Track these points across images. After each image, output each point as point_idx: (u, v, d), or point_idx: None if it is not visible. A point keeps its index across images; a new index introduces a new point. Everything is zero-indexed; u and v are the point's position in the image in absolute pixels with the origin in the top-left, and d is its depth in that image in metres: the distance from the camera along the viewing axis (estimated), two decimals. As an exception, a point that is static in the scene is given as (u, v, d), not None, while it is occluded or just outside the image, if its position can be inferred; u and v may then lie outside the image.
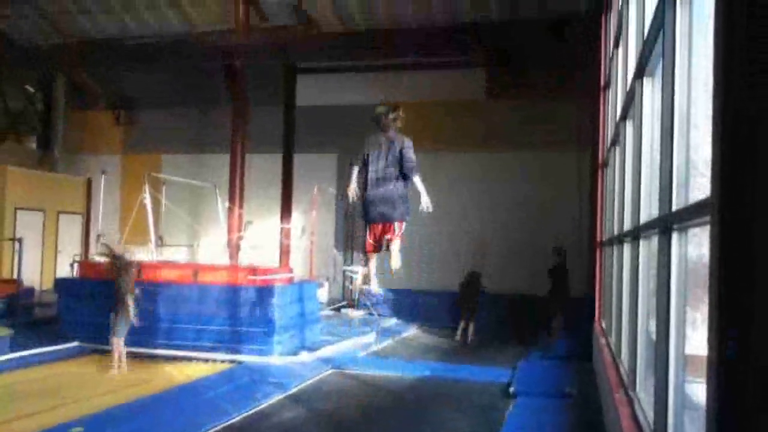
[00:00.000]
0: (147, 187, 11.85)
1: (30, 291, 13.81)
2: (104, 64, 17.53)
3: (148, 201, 11.82)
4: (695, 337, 3.43)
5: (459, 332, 12.75)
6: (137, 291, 8.77)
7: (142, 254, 12.09)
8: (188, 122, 18.38)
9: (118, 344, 8.54)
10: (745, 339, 1.80)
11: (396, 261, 5.68)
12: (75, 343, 9.80)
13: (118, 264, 8.85)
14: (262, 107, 16.48)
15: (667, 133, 3.48)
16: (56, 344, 9.65)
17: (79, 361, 9.29)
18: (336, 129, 17.07)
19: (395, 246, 5.56)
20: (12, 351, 8.93)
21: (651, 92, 4.61)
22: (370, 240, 5.67)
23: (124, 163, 19.07)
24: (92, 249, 14.41)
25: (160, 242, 13.87)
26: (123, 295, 8.53)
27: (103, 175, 14.90)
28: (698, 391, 3.57)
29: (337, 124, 17.04)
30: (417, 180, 5.57)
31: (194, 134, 18.27)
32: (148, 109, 18.97)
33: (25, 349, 9.15)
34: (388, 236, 5.53)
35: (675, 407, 3.31)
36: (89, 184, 18.92)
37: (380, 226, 5.58)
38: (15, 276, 14.07)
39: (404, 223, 5.60)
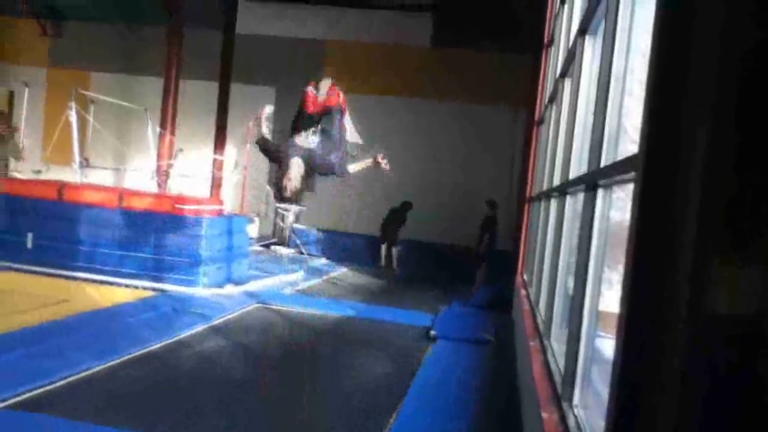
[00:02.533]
0: (73, 104, 11.30)
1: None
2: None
3: (73, 118, 11.31)
4: (609, 296, 3.58)
5: (382, 258, 13.02)
6: None
7: (65, 174, 11.65)
8: (120, 40, 17.50)
9: None
10: (655, 300, 1.86)
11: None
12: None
13: None
14: (199, 31, 15.82)
15: (602, 91, 3.54)
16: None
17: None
18: (276, 61, 16.65)
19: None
20: None
21: (591, 50, 4.66)
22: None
23: (50, 77, 18.09)
24: (12, 164, 13.73)
25: (85, 163, 13.35)
26: None
27: (26, 88, 14.14)
28: (607, 345, 3.75)
29: (277, 56, 16.61)
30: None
31: (126, 54, 17.45)
32: (77, 21, 17.93)
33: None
34: None
35: (584, 358, 3.47)
36: (11, 96, 17.92)
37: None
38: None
39: None
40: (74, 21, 17.93)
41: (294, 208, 16.09)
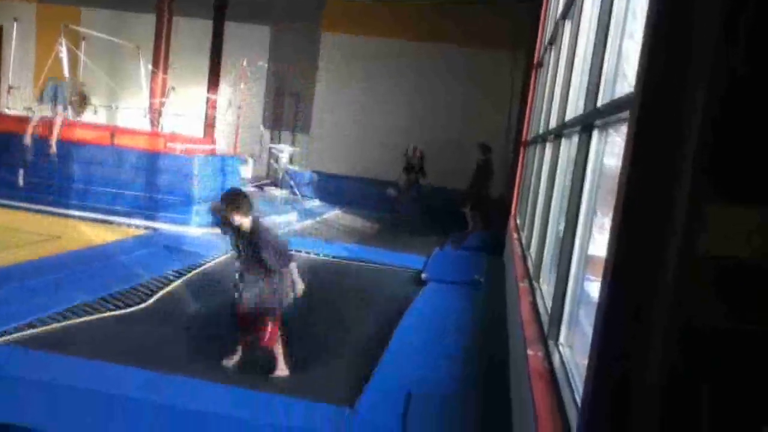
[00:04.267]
0: (63, 40, 11.06)
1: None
2: None
3: (64, 54, 11.08)
4: (599, 240, 3.58)
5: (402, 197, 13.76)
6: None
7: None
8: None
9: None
10: (646, 242, 1.84)
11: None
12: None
13: None
14: (193, -33, 15.42)
15: (602, 32, 3.47)
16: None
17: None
18: (270, 1, 16.30)
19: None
20: None
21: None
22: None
23: (40, 12, 17.68)
24: (3, 100, 13.53)
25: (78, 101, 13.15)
26: None
27: (15, 23, 13.80)
28: (594, 288, 3.77)
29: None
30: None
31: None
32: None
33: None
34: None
35: (572, 300, 3.50)
36: (0, 32, 17.54)
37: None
38: None
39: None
40: (63, -47, 17.43)
41: (288, 149, 16.04)
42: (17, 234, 7.99)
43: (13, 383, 3.86)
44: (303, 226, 11.71)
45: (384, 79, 16.22)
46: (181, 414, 3.76)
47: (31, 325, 4.89)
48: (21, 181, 9.47)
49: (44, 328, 4.94)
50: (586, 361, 2.88)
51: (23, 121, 9.95)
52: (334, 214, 13.82)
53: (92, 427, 3.59)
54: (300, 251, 9.18)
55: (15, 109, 13.02)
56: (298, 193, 14.86)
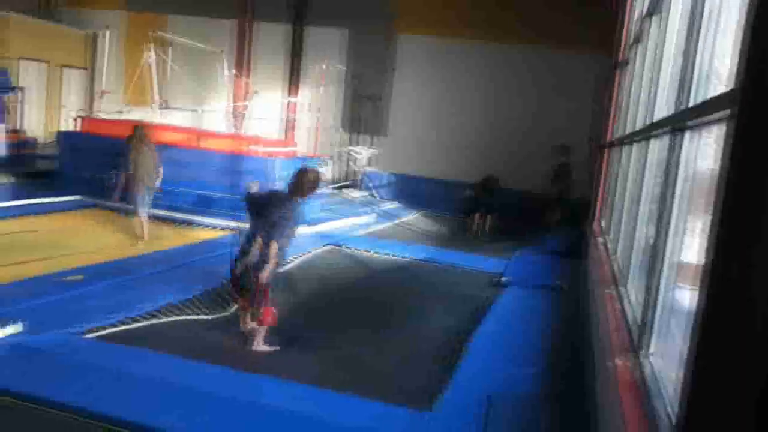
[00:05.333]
0: (152, 46, 11.53)
1: (32, 142, 13.78)
2: None
3: (152, 60, 11.55)
4: (692, 245, 3.43)
5: (474, 226, 12.63)
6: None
7: (144, 114, 11.99)
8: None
9: (143, 219, 8.02)
10: (747, 253, 1.74)
11: None
12: (77, 197, 9.87)
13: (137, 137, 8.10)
14: (273, -27, 15.77)
15: (693, 29, 3.32)
16: (57, 196, 9.72)
17: (80, 214, 9.39)
18: (348, 4, 16.45)
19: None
20: (13, 199, 9.02)
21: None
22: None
23: (129, 20, 18.47)
24: (96, 105, 14.24)
25: (164, 104, 13.69)
26: (141, 172, 7.91)
27: (107, 31, 14.49)
28: (686, 296, 3.61)
29: (350, -1, 16.43)
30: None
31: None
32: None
33: (26, 198, 9.23)
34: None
35: (662, 307, 3.36)
36: (94, 38, 18.44)
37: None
38: (17, 126, 13.99)
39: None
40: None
41: (366, 151, 16.16)
42: (110, 233, 8.37)
43: (99, 374, 4.02)
44: (382, 228, 11.75)
45: (461, 80, 16.09)
46: (259, 411, 3.82)
47: (122, 322, 5.10)
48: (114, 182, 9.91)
49: (132, 325, 5.14)
50: (677, 373, 2.76)
51: (115, 124, 10.41)
52: (412, 216, 13.82)
53: (171, 418, 3.69)
54: (382, 253, 9.24)
55: (107, 113, 13.68)
56: (376, 194, 14.95)
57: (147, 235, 7.99)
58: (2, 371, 3.86)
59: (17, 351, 4.14)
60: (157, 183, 8.11)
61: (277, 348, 5.09)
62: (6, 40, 15.90)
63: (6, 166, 10.26)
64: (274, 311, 5.07)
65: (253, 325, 5.20)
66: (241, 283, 5.21)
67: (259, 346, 5.05)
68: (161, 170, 8.11)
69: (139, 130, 8.14)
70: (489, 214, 12.61)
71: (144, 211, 7.97)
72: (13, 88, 13.99)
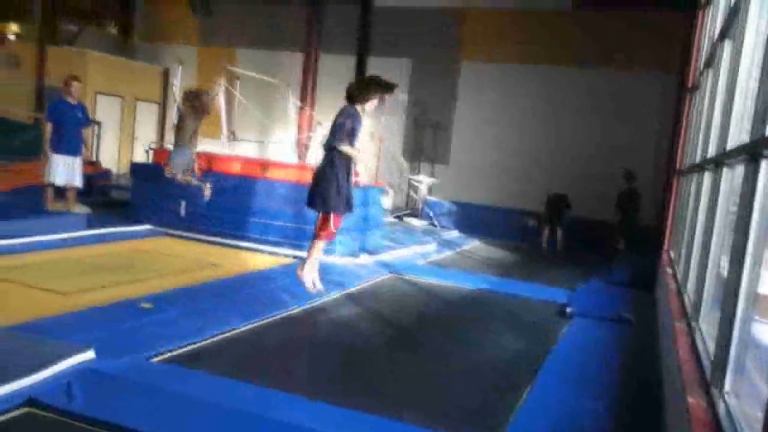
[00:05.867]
0: (222, 80, 11.92)
1: (107, 173, 14.38)
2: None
3: (221, 94, 11.93)
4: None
5: (544, 240, 13.14)
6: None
7: (214, 146, 12.37)
8: (262, 17, 18.22)
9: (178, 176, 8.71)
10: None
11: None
12: (147, 226, 10.23)
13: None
14: (337, 5, 16.14)
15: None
16: (129, 225, 10.10)
17: (150, 241, 9.71)
18: (411, 33, 16.66)
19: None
20: (89, 228, 9.41)
21: (758, 7, 4.23)
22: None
23: (200, 54, 19.21)
24: (167, 137, 14.79)
25: (233, 136, 14.09)
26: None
27: (180, 66, 15.07)
28: (765, 330, 3.45)
29: (412, 28, 16.61)
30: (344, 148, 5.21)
31: (268, 30, 18.15)
32: (223, 3, 18.86)
33: (100, 227, 9.62)
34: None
35: (738, 342, 3.21)
36: (166, 73, 19.24)
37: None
38: (93, 158, 14.65)
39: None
40: (220, 3, 18.86)
41: (427, 179, 16.20)
42: (179, 260, 8.62)
43: (166, 398, 4.11)
44: (443, 256, 11.71)
45: (522, 104, 16.02)
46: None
47: (189, 345, 5.22)
48: (183, 212, 10.22)
49: (198, 348, 5.25)
50: (755, 412, 2.63)
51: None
52: (473, 245, 13.73)
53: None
54: (443, 281, 9.20)
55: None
56: (437, 223, 14.93)
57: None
58: (76, 397, 3.98)
59: (89, 376, 4.28)
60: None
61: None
62: (84, 75, 16.76)
63: (83, 195, 10.72)
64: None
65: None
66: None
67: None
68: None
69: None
70: (559, 228, 12.93)
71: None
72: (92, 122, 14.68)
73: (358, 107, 5.22)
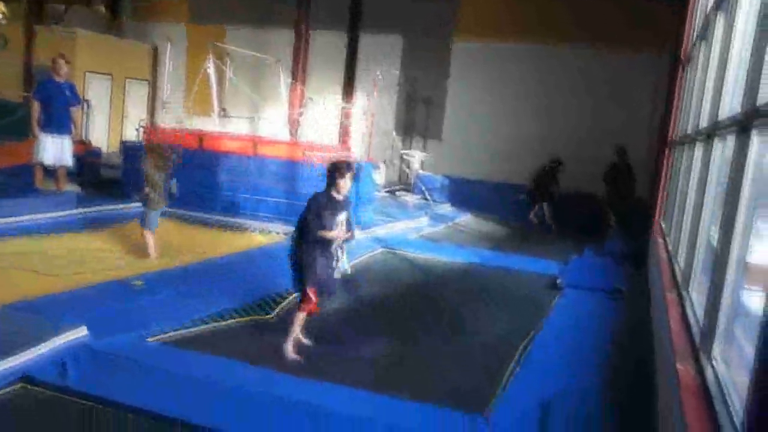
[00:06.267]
0: (211, 57, 11.83)
1: (97, 152, 14.26)
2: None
3: (212, 71, 11.85)
4: (759, 248, 3.31)
5: (532, 216, 13.19)
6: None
7: (206, 124, 12.31)
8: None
9: (150, 236, 7.71)
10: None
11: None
12: (138, 205, 10.16)
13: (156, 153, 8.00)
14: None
15: (763, 26, 3.21)
16: (120, 204, 10.02)
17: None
18: (403, 10, 16.51)
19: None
20: (79, 207, 9.34)
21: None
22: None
23: (190, 32, 18.99)
24: (158, 115, 14.69)
25: (223, 113, 14.02)
26: (153, 184, 7.78)
27: (169, 44, 14.93)
28: (754, 299, 3.48)
29: (404, 5, 16.47)
30: None
31: (259, 7, 17.93)
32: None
33: (90, 206, 9.55)
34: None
35: (727, 311, 3.25)
36: (156, 51, 19.04)
37: None
38: (83, 137, 14.52)
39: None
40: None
41: (419, 154, 16.17)
42: (170, 241, 8.59)
43: (162, 377, 4.13)
44: (436, 230, 11.74)
45: (515, 82, 15.97)
46: (313, 414, 3.84)
47: (184, 326, 5.23)
48: (174, 190, 10.17)
49: (191, 330, 5.26)
50: (743, 378, 2.67)
51: (177, 134, 10.70)
52: (465, 218, 13.75)
53: (225, 419, 3.75)
54: (436, 256, 9.22)
55: (169, 123, 14.09)
56: (429, 197, 14.94)
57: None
58: (70, 374, 4.00)
59: (83, 354, 4.29)
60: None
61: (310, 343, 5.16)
62: (73, 55, 16.56)
63: (73, 175, 10.63)
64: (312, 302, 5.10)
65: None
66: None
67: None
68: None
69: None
70: (547, 203, 13.09)
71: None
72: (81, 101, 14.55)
73: (332, 192, 5.19)
